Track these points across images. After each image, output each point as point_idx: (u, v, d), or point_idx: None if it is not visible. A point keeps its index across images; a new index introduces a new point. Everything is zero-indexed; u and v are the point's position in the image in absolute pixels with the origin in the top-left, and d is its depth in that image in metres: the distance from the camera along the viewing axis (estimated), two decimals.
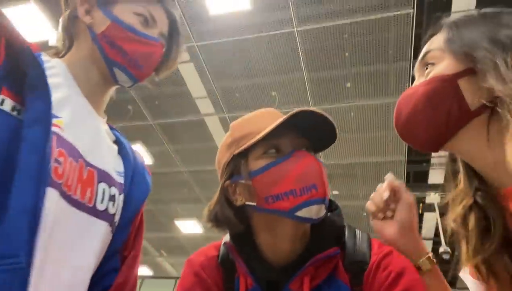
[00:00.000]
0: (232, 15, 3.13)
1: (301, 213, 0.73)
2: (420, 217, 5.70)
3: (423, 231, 5.95)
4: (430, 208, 5.10)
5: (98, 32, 0.83)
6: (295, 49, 3.32)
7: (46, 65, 0.75)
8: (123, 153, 0.87)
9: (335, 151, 4.34)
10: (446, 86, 0.64)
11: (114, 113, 4.32)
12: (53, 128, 0.65)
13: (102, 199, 0.76)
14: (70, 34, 0.86)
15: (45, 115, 0.63)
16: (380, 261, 0.75)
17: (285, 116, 0.75)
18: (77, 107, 0.78)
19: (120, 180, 0.83)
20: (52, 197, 0.65)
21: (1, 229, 0.55)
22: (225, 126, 4.29)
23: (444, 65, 0.66)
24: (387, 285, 0.72)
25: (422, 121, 0.68)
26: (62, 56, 0.86)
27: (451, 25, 0.70)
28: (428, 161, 4.72)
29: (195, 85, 3.86)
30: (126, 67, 0.83)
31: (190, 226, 6.47)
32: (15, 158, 0.58)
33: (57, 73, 0.79)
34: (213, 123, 4.33)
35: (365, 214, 5.46)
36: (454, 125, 0.64)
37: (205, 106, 4.11)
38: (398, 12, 2.93)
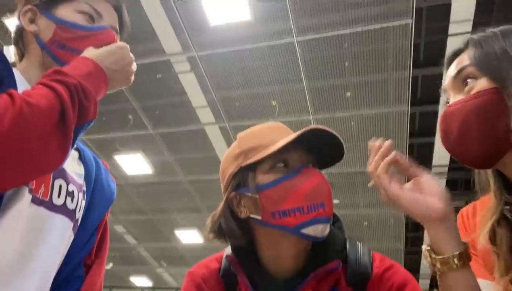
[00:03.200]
0: (232, 25, 3.16)
1: (306, 231, 0.73)
2: (421, 226, 5.66)
3: (425, 241, 5.91)
4: None
5: (46, 40, 0.82)
6: (295, 59, 3.35)
7: None
8: (84, 159, 0.88)
9: None
10: (498, 99, 0.62)
11: (115, 123, 4.35)
12: None
13: (59, 194, 0.76)
14: (19, 46, 0.86)
15: None
16: (382, 274, 0.75)
17: (297, 133, 0.75)
18: None
19: (80, 181, 0.83)
20: (21, 191, 0.67)
21: None
22: (226, 136, 4.30)
23: (485, 81, 0.64)
24: None
25: (476, 136, 0.63)
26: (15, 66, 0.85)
27: (476, 44, 0.69)
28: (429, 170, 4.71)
29: (195, 94, 3.88)
30: None
31: (190, 236, 6.44)
32: None
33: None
34: (213, 133, 4.33)
35: (366, 223, 5.44)
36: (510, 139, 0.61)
37: (205, 115, 4.12)
38: (397, 23, 2.95)
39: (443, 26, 3.11)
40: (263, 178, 0.76)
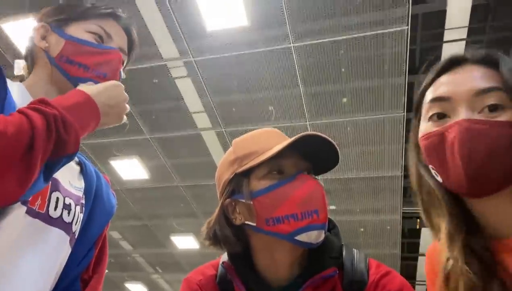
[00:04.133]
0: (229, 31, 3.17)
1: (300, 237, 0.72)
2: (418, 232, 5.67)
3: (421, 247, 5.91)
4: None
5: (55, 54, 0.84)
6: (292, 64, 3.36)
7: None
8: (85, 172, 0.89)
9: None
10: None
11: (111, 127, 4.33)
12: None
13: (56, 207, 0.76)
14: (29, 61, 0.89)
15: None
16: (378, 281, 0.75)
17: (291, 139, 0.75)
18: None
19: (79, 194, 0.84)
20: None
21: None
22: (222, 141, 4.30)
23: None
24: None
25: (503, 164, 0.60)
26: (22, 81, 0.88)
27: (506, 65, 0.64)
28: None
29: (192, 99, 3.88)
30: (92, 79, 0.84)
31: (186, 242, 6.39)
32: None
33: (15, 93, 0.78)
34: (210, 138, 4.33)
35: (362, 229, 5.44)
36: None
37: (202, 120, 4.12)
38: (393, 29, 2.97)
39: (439, 32, 3.14)
40: (258, 185, 0.76)
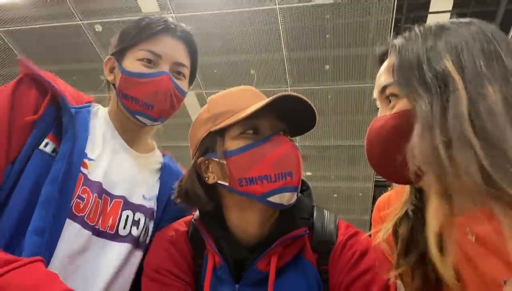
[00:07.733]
0: None
1: (273, 199, 0.73)
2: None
3: None
4: None
5: (117, 88, 0.89)
6: (276, 27, 3.28)
7: (93, 111, 0.90)
8: (163, 179, 0.96)
9: (310, 132, 4.30)
10: (409, 122, 0.58)
11: (87, 83, 4.18)
12: (82, 169, 0.78)
13: (125, 225, 0.84)
14: (110, 88, 0.96)
15: (68, 155, 0.74)
16: (346, 241, 0.77)
17: (268, 99, 0.74)
18: (112, 148, 0.88)
19: (151, 204, 0.90)
20: (72, 228, 0.75)
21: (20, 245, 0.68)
22: (202, 102, 4.23)
23: (405, 101, 0.62)
24: (351, 263, 0.74)
25: (394, 160, 0.61)
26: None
27: (396, 53, 0.64)
28: None
29: None
30: (142, 112, 0.88)
31: None
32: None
33: (99, 118, 0.90)
34: (189, 99, 4.25)
35: (335, 195, 5.60)
36: None
37: None
38: None
39: (425, 2, 3.11)
40: (232, 144, 0.75)
